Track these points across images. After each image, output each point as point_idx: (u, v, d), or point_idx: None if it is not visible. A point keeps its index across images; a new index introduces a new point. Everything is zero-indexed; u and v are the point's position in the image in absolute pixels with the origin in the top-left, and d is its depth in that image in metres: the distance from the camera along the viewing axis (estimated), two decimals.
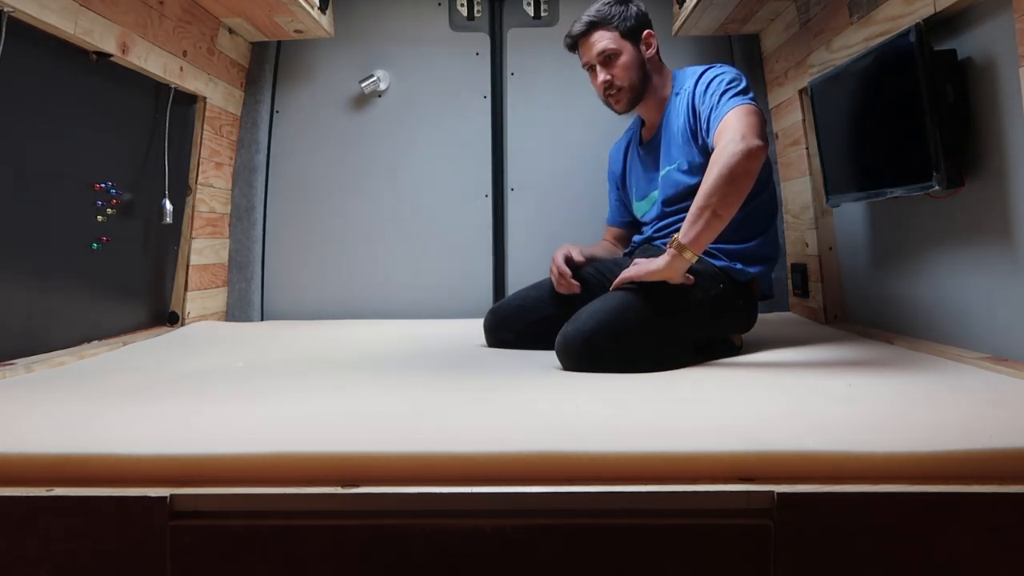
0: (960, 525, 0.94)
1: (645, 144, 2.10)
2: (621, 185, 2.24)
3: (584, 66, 2.05)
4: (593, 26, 1.98)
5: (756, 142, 1.68)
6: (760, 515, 0.95)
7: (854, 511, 0.95)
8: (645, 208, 2.12)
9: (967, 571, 0.94)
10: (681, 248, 1.68)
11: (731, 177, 1.64)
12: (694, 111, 1.91)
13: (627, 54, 1.98)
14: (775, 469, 0.99)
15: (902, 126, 1.82)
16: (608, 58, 1.98)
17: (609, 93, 2.01)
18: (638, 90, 2.01)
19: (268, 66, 2.91)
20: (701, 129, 1.88)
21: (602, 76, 1.99)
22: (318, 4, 2.63)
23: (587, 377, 1.61)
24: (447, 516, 0.97)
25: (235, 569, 0.96)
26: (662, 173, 2.00)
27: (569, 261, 2.06)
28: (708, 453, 1.01)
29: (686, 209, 1.74)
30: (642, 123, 2.16)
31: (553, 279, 2.05)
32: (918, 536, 0.95)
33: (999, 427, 1.10)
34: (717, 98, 1.83)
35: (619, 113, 2.07)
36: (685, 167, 1.94)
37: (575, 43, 2.03)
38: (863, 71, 2.00)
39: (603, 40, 1.97)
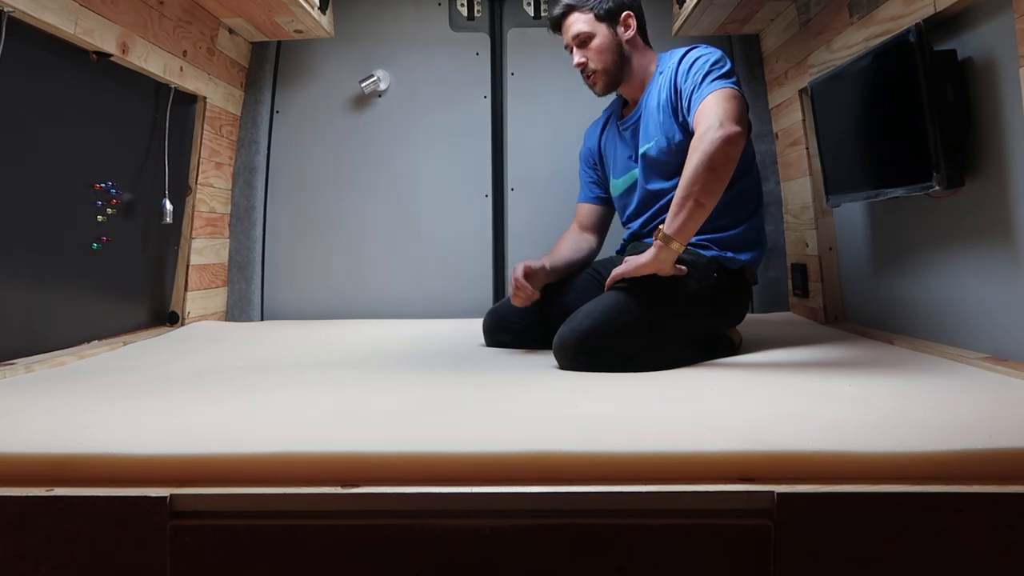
0: (960, 525, 0.94)
1: (624, 120, 2.09)
2: (598, 163, 2.22)
3: (565, 48, 2.06)
4: (570, 8, 2.00)
5: (734, 128, 1.67)
6: (760, 515, 0.95)
7: (854, 511, 0.95)
8: (623, 187, 2.10)
9: (967, 571, 0.94)
10: (667, 239, 1.68)
11: (711, 165, 1.64)
12: (676, 88, 1.90)
13: (601, 37, 1.98)
14: (775, 469, 0.99)
15: (902, 126, 1.82)
16: (583, 41, 1.99)
17: (584, 75, 2.03)
18: (613, 73, 2.01)
19: (268, 66, 2.91)
20: (682, 107, 1.87)
21: (577, 58, 2.01)
22: (318, 4, 2.63)
23: (586, 377, 1.61)
24: (447, 516, 0.97)
25: (235, 569, 0.96)
26: (641, 151, 1.99)
27: (530, 276, 1.97)
28: (708, 453, 1.01)
29: (669, 192, 1.72)
30: (624, 103, 2.15)
31: (511, 291, 1.99)
32: (918, 536, 0.95)
33: (999, 427, 1.10)
34: (700, 78, 1.82)
35: (598, 95, 2.07)
36: (664, 144, 1.92)
37: (555, 26, 2.05)
38: (863, 71, 2.00)
39: (578, 23, 1.99)
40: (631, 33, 2.00)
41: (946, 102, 1.72)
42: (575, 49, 2.01)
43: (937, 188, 1.73)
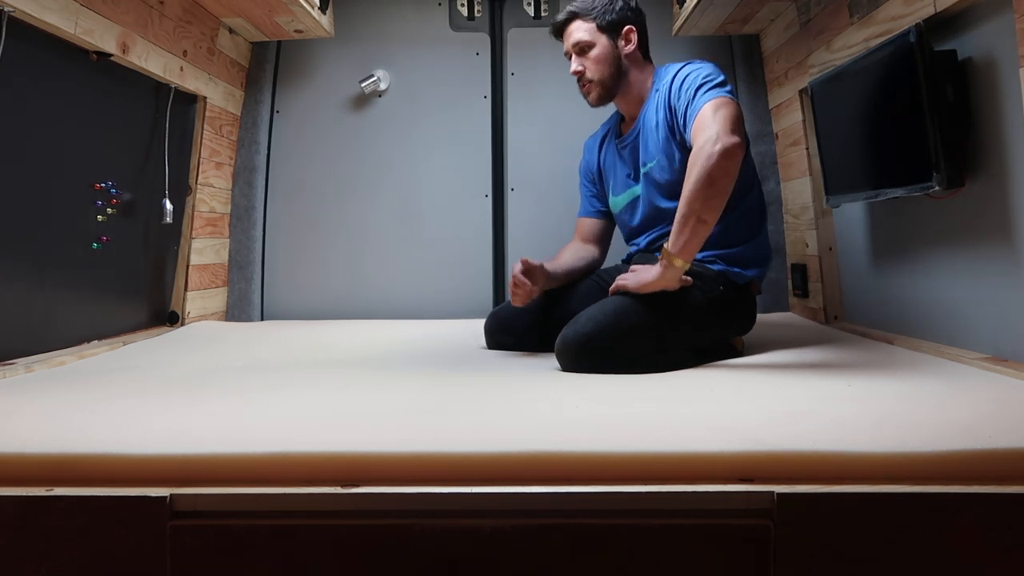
0: (960, 525, 0.94)
1: (623, 138, 2.09)
2: (597, 178, 2.21)
3: (565, 55, 2.05)
4: (573, 16, 2.00)
5: (731, 140, 1.66)
6: (760, 515, 0.95)
7: (854, 511, 0.95)
8: (622, 204, 2.10)
9: (967, 571, 0.94)
10: (671, 258, 1.68)
11: (710, 180, 1.64)
12: (670, 107, 1.89)
13: (600, 47, 1.97)
14: (775, 469, 0.99)
15: (902, 126, 1.82)
16: (582, 49, 1.98)
17: (580, 84, 2.02)
18: (608, 85, 1.99)
19: (268, 66, 2.91)
20: (678, 125, 1.87)
21: (574, 66, 2.00)
22: (318, 4, 2.63)
23: (587, 378, 1.61)
24: (447, 516, 0.97)
25: (235, 569, 0.96)
26: (643, 171, 1.99)
27: (529, 271, 1.95)
28: (708, 453, 1.01)
29: (674, 210, 1.72)
30: (621, 118, 2.14)
31: (510, 291, 1.99)
32: (918, 536, 0.95)
33: (999, 427, 1.10)
34: (692, 93, 1.81)
35: (591, 105, 2.06)
36: (664, 163, 1.92)
37: (557, 32, 2.04)
38: (863, 71, 2.00)
39: (579, 31, 1.98)
40: (631, 48, 2.00)
41: (946, 102, 1.72)
42: (573, 57, 2.00)
43: (937, 188, 1.73)
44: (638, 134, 2.01)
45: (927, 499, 0.95)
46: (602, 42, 1.97)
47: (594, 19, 1.97)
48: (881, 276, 2.22)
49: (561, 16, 2.02)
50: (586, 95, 2.03)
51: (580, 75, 2.00)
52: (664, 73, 1.97)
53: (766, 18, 2.65)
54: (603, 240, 2.23)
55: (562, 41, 2.04)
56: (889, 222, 2.16)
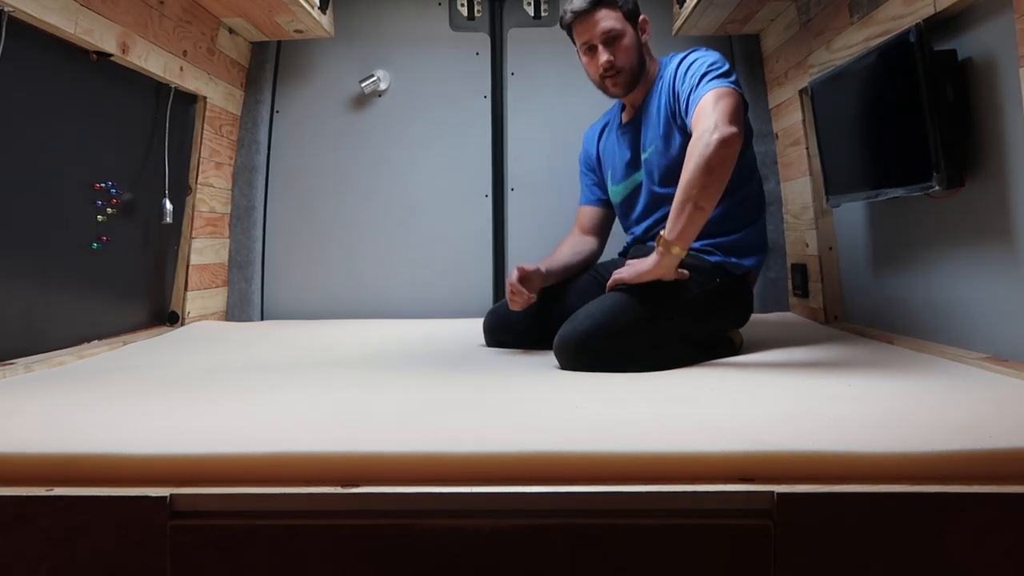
0: (960, 525, 0.94)
1: (624, 126, 2.08)
2: (596, 166, 2.21)
3: (581, 46, 1.97)
4: (599, 3, 1.92)
5: (730, 129, 1.65)
6: (760, 515, 0.95)
7: (854, 511, 0.95)
8: (623, 192, 2.09)
9: (967, 571, 0.94)
10: (668, 245, 1.68)
11: (708, 168, 1.63)
12: (674, 92, 1.88)
13: (629, 36, 1.94)
14: (775, 469, 0.99)
15: (902, 126, 1.82)
16: (612, 38, 1.92)
17: (608, 75, 1.95)
18: (636, 73, 1.97)
19: (268, 66, 2.91)
20: (680, 110, 1.86)
21: (605, 56, 1.92)
22: (318, 4, 2.63)
23: (586, 377, 1.61)
24: (447, 516, 0.97)
25: (235, 569, 0.96)
26: (643, 157, 1.99)
27: (525, 279, 1.96)
28: (708, 453, 1.01)
29: (671, 198, 1.72)
30: (623, 107, 2.13)
31: (508, 297, 1.99)
32: (918, 536, 0.95)
33: (999, 427, 1.10)
34: (696, 80, 1.80)
35: (615, 97, 2.02)
36: (662, 147, 1.92)
37: (576, 19, 1.94)
38: (863, 71, 2.00)
39: (609, 19, 1.91)
40: (647, 37, 2.00)
41: (946, 102, 1.72)
42: (601, 47, 1.93)
43: (937, 188, 1.73)
44: (640, 121, 2.01)
45: (927, 499, 0.95)
46: (629, 31, 1.95)
47: (620, 7, 1.93)
48: (881, 276, 2.22)
49: (583, 4, 1.92)
50: (609, 87, 1.97)
51: (610, 65, 1.92)
52: (669, 62, 1.96)
53: (766, 18, 2.65)
54: (602, 230, 2.22)
55: (574, 34, 1.97)
56: (889, 222, 2.16)
